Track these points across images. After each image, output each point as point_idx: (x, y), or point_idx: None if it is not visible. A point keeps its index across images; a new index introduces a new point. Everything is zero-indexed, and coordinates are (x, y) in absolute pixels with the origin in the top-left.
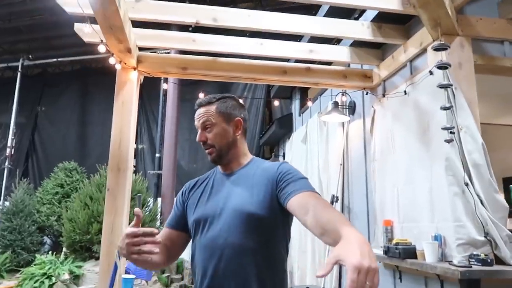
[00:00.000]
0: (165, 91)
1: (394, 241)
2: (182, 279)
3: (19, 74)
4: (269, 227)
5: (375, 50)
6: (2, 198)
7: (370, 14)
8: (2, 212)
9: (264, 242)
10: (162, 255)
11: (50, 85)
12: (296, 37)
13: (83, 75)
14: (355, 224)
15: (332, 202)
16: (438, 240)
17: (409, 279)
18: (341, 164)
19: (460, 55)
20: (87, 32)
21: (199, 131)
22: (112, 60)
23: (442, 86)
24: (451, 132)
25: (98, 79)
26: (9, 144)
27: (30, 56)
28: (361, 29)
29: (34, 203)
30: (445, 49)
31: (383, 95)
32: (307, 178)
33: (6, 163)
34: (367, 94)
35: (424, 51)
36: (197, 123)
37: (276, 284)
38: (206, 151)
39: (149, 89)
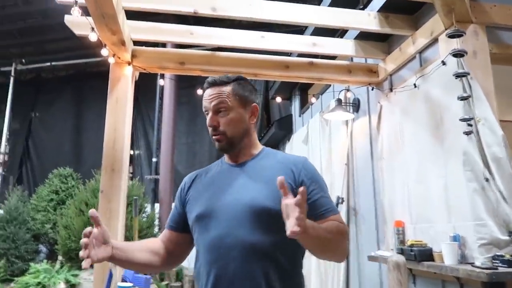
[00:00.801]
0: (162, 94)
1: (408, 243)
2: (181, 287)
3: (12, 79)
4: (285, 226)
5: (381, 43)
6: None
7: (376, 4)
8: None
9: (280, 242)
10: (161, 258)
11: (44, 91)
12: (299, 31)
13: (78, 80)
14: (362, 226)
15: (337, 204)
16: (457, 240)
17: (425, 282)
18: (345, 164)
19: (474, 43)
20: (77, 23)
21: (210, 114)
22: (104, 52)
23: (458, 75)
24: (469, 124)
25: (93, 83)
26: (2, 150)
27: (23, 61)
28: (368, 20)
29: (29, 211)
30: (460, 35)
31: (390, 90)
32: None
33: (0, 170)
34: (372, 89)
35: (435, 41)
36: (208, 104)
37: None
38: (214, 137)
39: (146, 92)
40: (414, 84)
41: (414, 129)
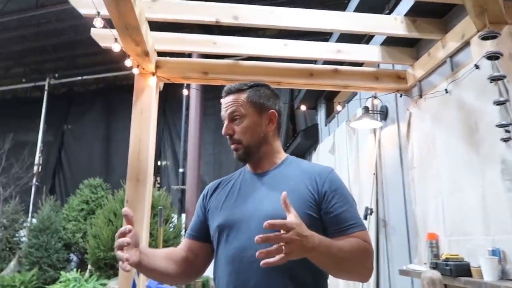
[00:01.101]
0: (188, 106)
1: (443, 257)
2: None
3: (45, 93)
4: None
5: (409, 48)
6: (30, 215)
7: (403, 8)
8: (30, 229)
9: (304, 258)
10: (180, 268)
11: (76, 104)
12: (323, 38)
13: (107, 93)
14: (392, 238)
15: (365, 216)
16: (496, 255)
17: None
18: (374, 174)
19: (509, 45)
20: (103, 35)
21: (226, 122)
22: (128, 63)
23: (493, 79)
24: (507, 131)
25: (122, 96)
26: (36, 161)
27: (56, 75)
28: (394, 24)
29: (61, 220)
30: (495, 36)
31: (420, 96)
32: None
33: (34, 181)
34: (401, 96)
35: (466, 44)
36: (224, 113)
37: None
38: (232, 146)
39: (172, 103)
40: (446, 90)
41: (447, 137)
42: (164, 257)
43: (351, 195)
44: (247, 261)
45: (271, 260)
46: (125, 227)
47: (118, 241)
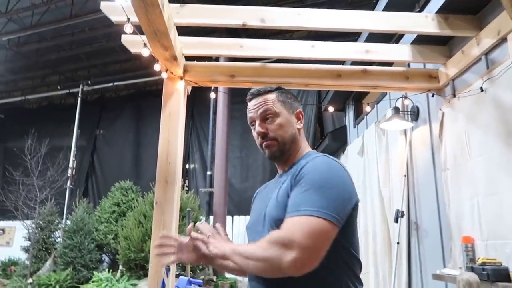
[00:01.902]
0: (215, 109)
1: (479, 261)
2: None
3: (79, 99)
4: None
5: (441, 46)
6: (64, 216)
7: (434, 6)
8: (64, 230)
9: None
10: None
11: (107, 109)
12: (352, 39)
13: (138, 99)
14: (425, 241)
15: (396, 218)
16: None
17: None
18: (405, 176)
19: None
20: (133, 42)
21: (258, 122)
22: (157, 67)
23: None
24: None
25: (151, 101)
26: (70, 165)
27: (89, 82)
28: (425, 22)
29: (93, 222)
30: None
31: (453, 96)
32: (328, 187)
33: (68, 184)
34: (433, 96)
35: (502, 40)
36: (254, 114)
37: None
38: (265, 143)
39: (200, 107)
40: (481, 88)
41: (482, 137)
42: None
43: (325, 180)
44: None
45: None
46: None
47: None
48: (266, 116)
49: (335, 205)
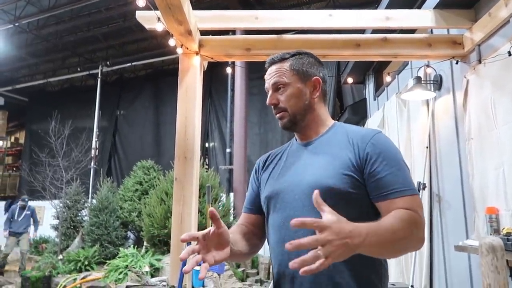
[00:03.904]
0: (233, 86)
1: (504, 231)
2: (257, 273)
3: (99, 80)
4: (355, 205)
5: (466, 10)
6: (90, 196)
7: None
8: (90, 209)
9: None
10: (250, 243)
11: (127, 89)
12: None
13: (156, 78)
14: (447, 213)
15: (418, 190)
16: None
17: None
18: (427, 147)
19: None
20: (148, 17)
21: (270, 92)
22: (172, 42)
23: None
24: None
25: (169, 80)
26: (93, 146)
27: (108, 63)
28: None
29: (117, 200)
30: None
31: (479, 62)
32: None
33: (92, 164)
34: (457, 63)
35: None
36: (268, 84)
37: (370, 277)
38: (277, 115)
39: (217, 85)
40: (509, 52)
41: (509, 104)
42: (241, 238)
43: (402, 159)
44: (293, 230)
45: (312, 266)
46: (204, 232)
47: (188, 249)
48: (278, 87)
49: None
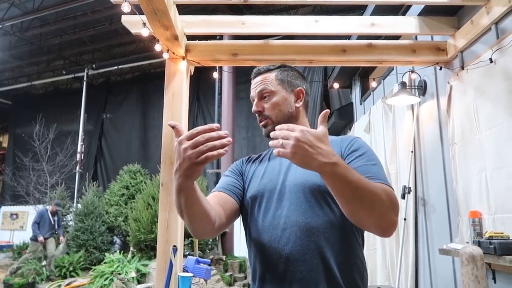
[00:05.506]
0: (220, 91)
1: (486, 235)
2: (245, 278)
3: (84, 83)
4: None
5: (449, 17)
6: (75, 200)
7: None
8: (75, 213)
9: (336, 221)
10: (213, 213)
11: (113, 93)
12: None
13: (143, 81)
14: (432, 217)
15: (403, 194)
16: None
17: (507, 278)
18: (412, 152)
19: None
20: (134, 22)
21: (255, 100)
22: (158, 48)
23: None
24: None
25: (157, 83)
26: (79, 150)
27: (94, 66)
28: None
29: (103, 205)
30: None
31: (462, 68)
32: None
33: (77, 168)
34: (440, 69)
35: None
36: (253, 93)
37: (354, 277)
38: (261, 123)
39: (205, 89)
40: (490, 59)
41: (491, 110)
42: (206, 201)
43: (378, 160)
44: (279, 229)
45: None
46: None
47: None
48: (263, 95)
49: None
